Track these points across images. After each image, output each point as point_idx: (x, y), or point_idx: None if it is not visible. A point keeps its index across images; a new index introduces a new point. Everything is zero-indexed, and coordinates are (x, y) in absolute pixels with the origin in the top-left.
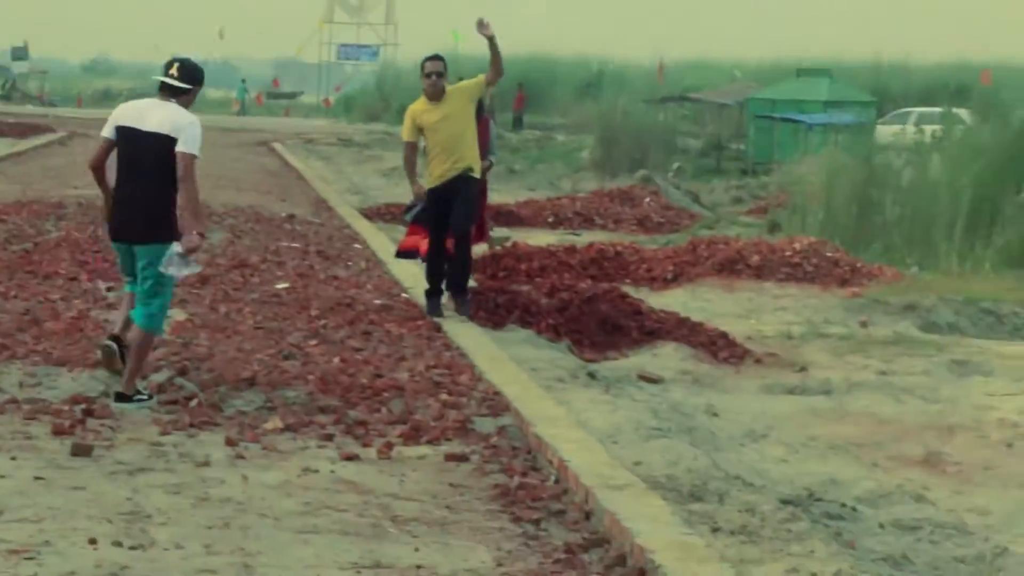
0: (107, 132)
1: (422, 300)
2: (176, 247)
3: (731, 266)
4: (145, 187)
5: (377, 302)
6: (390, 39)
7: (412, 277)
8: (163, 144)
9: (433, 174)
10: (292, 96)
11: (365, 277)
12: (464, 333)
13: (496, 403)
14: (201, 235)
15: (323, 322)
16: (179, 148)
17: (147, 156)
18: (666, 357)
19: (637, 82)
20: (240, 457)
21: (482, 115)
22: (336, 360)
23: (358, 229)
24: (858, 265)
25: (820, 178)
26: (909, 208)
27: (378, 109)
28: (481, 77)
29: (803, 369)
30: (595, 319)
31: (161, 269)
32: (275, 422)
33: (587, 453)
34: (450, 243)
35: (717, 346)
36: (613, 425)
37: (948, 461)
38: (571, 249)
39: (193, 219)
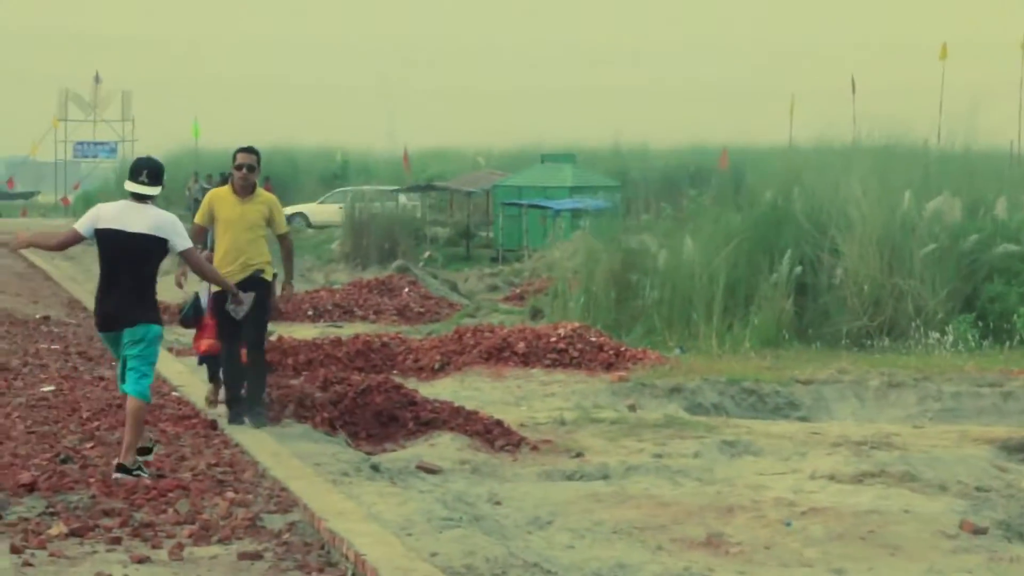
0: (85, 230)
1: (192, 397)
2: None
3: (498, 354)
4: (133, 281)
5: None
6: (127, 135)
7: (179, 375)
8: (152, 244)
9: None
10: (28, 196)
11: None
12: (241, 429)
13: (283, 499)
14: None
15: (96, 424)
16: (179, 249)
17: (135, 255)
18: (443, 447)
19: (382, 171)
20: (28, 564)
21: None
22: (116, 461)
23: None
24: (622, 349)
25: (576, 263)
26: (667, 291)
27: None
28: (284, 227)
29: (579, 455)
30: (370, 411)
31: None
32: (59, 527)
33: (383, 546)
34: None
35: (493, 434)
36: (404, 517)
37: (730, 542)
38: (336, 341)
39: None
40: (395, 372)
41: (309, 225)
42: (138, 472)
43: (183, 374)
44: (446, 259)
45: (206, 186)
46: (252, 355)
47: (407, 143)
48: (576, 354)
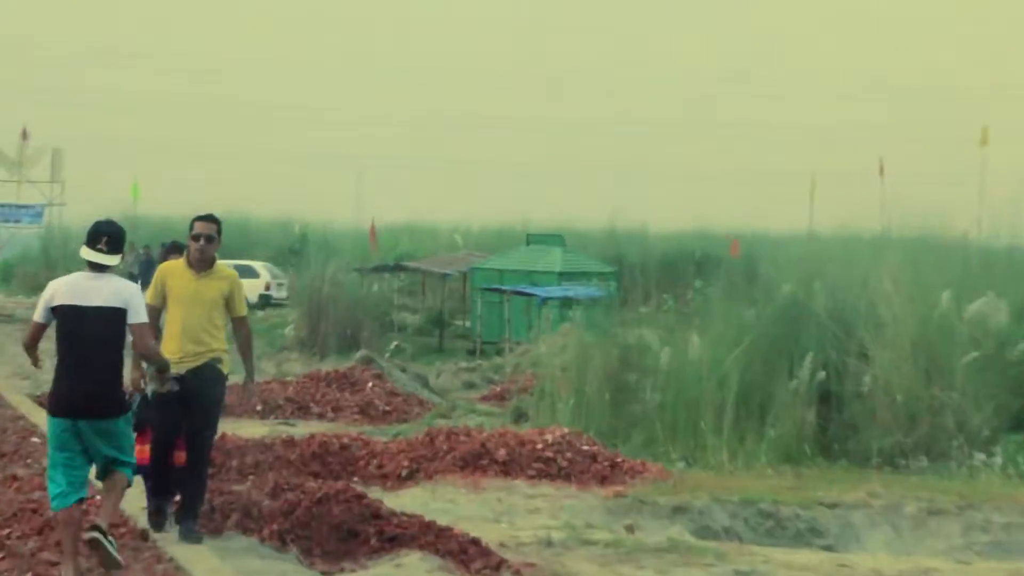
0: (40, 316)
1: (122, 503)
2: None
3: (475, 461)
4: (99, 362)
5: None
6: (56, 198)
7: None
8: (114, 317)
9: (170, 359)
10: None
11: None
12: (176, 542)
13: None
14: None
15: (7, 531)
16: (132, 320)
17: (96, 331)
18: (412, 568)
19: (345, 247)
20: None
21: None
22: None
23: (35, 421)
24: (618, 460)
25: (566, 359)
26: (671, 394)
27: (43, 278)
28: (243, 309)
29: None
30: (327, 524)
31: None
32: None
33: None
34: (180, 455)
35: (468, 555)
36: None
37: None
38: (289, 442)
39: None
40: (356, 479)
41: None
42: (111, 540)
43: None
44: (416, 350)
45: (144, 257)
46: (196, 457)
47: (375, 215)
48: (565, 464)
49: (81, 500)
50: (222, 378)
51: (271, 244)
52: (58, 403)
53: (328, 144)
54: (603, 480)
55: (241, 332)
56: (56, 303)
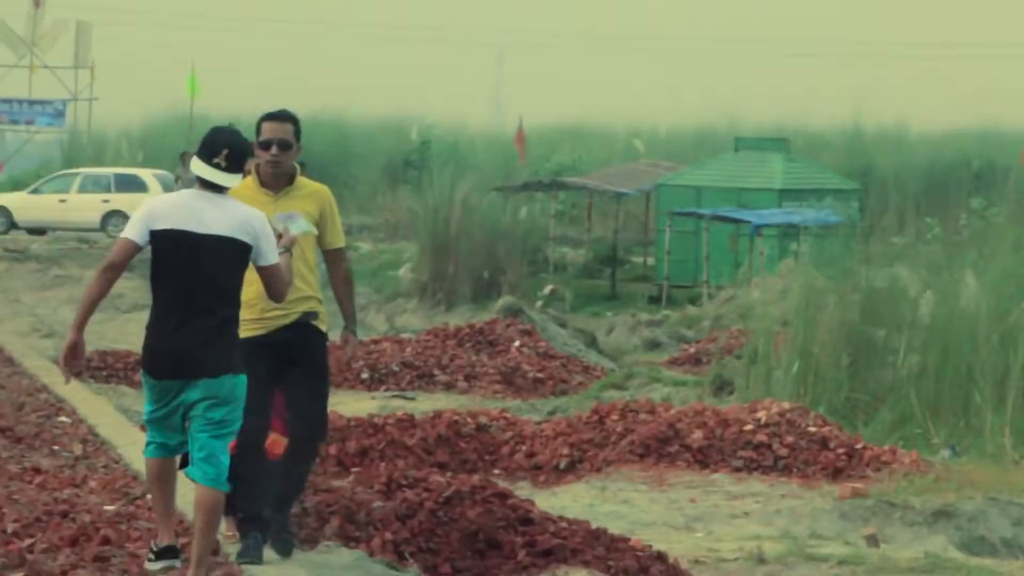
0: (137, 236)
1: (181, 504)
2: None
3: (660, 447)
4: (210, 307)
5: (109, 508)
6: (83, 91)
7: None
8: (234, 252)
9: (247, 315)
10: None
11: (84, 469)
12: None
13: None
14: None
15: (28, 542)
16: (262, 263)
17: (210, 268)
18: None
19: (482, 157)
20: None
21: None
22: None
23: (61, 393)
24: (858, 446)
25: (788, 309)
26: (934, 357)
27: None
28: (340, 239)
29: None
30: (459, 532)
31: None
32: None
33: None
34: (277, 443)
35: (651, 575)
36: None
37: None
38: (406, 421)
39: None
40: (498, 472)
41: (13, 226)
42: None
43: None
44: (580, 298)
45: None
46: (301, 446)
47: (523, 114)
48: (784, 452)
49: (175, 459)
50: (322, 339)
51: (379, 154)
52: (154, 360)
53: (454, 12)
54: (837, 474)
55: (338, 270)
56: (159, 226)
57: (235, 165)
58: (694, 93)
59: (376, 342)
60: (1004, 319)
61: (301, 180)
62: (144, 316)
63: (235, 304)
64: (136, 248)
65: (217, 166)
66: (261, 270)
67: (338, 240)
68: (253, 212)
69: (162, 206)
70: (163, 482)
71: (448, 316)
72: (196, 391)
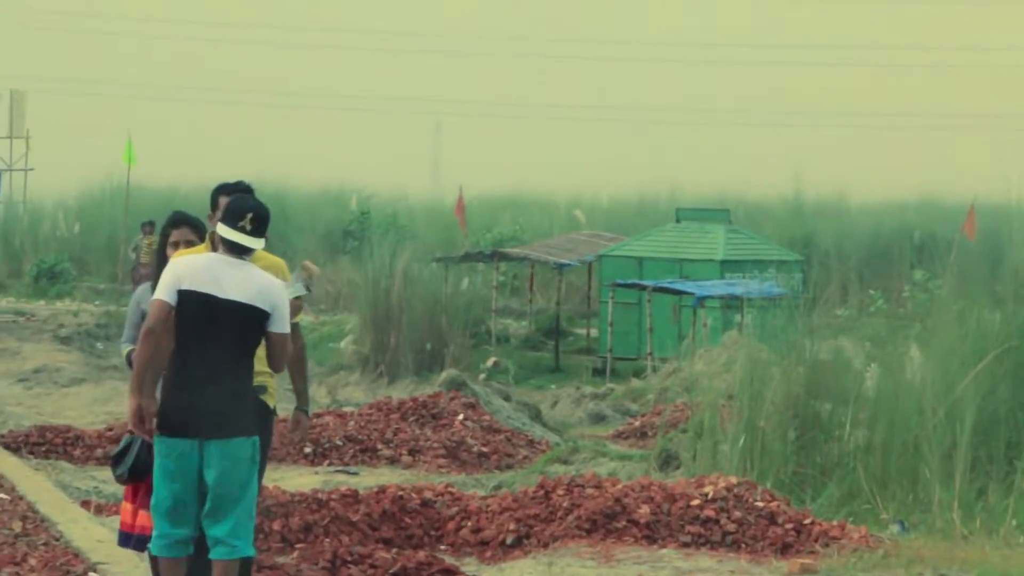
0: (167, 295)
1: None
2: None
3: (607, 523)
4: (226, 369)
5: None
6: (17, 161)
7: (100, 545)
8: (253, 319)
9: None
10: None
11: (24, 547)
12: None
13: None
14: None
15: None
16: (274, 329)
17: (229, 332)
18: None
19: (422, 227)
20: None
21: None
22: None
23: (0, 469)
24: (806, 521)
25: (733, 382)
26: (881, 431)
27: (1, 274)
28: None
29: None
30: None
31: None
32: None
33: None
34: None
35: None
36: None
37: None
38: (350, 497)
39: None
40: (444, 548)
41: None
42: None
43: (106, 545)
44: (523, 370)
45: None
46: None
47: (463, 184)
48: (733, 528)
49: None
50: (267, 414)
51: (318, 224)
52: (168, 416)
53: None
54: (785, 549)
55: (293, 346)
56: (186, 286)
57: (259, 228)
58: (635, 164)
59: (319, 416)
60: (950, 392)
61: (258, 252)
62: (82, 390)
63: (249, 367)
64: (170, 308)
65: (242, 229)
66: (269, 336)
67: (293, 316)
68: (273, 280)
69: (185, 267)
70: None
71: (391, 389)
72: (209, 455)
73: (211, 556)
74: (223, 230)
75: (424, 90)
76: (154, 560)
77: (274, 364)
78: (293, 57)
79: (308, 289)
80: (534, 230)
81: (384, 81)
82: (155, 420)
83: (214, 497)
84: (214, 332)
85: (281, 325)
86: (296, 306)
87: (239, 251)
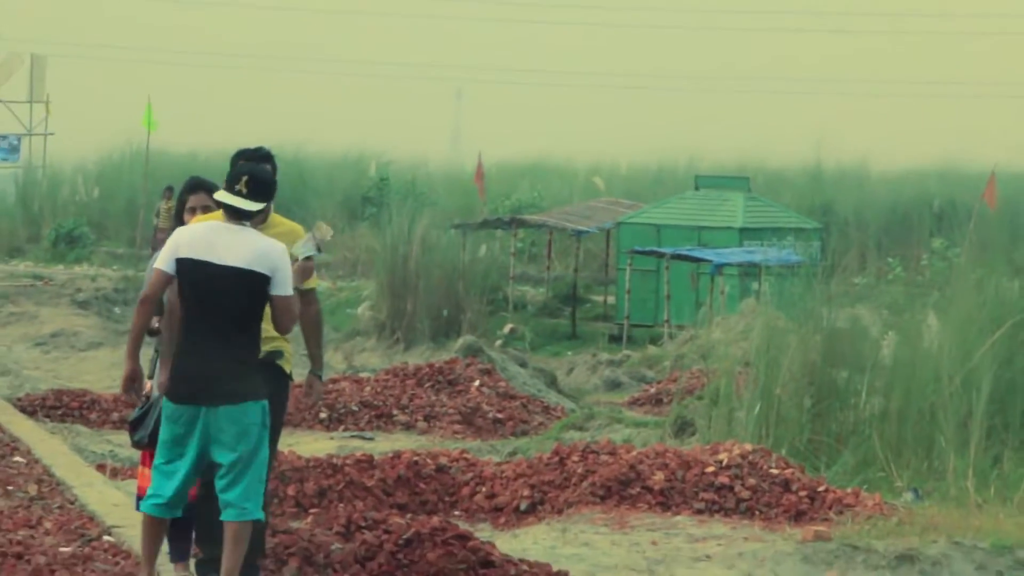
0: (166, 265)
1: (135, 545)
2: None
3: (621, 489)
4: (229, 336)
5: (65, 550)
6: (38, 126)
7: (114, 511)
8: (252, 284)
9: None
10: None
11: (39, 510)
12: None
13: None
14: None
15: None
16: (276, 292)
17: (229, 298)
18: None
19: (441, 194)
20: None
21: None
22: None
23: (16, 433)
24: (820, 489)
25: (750, 350)
26: (896, 399)
27: (20, 239)
28: (312, 279)
29: None
30: (419, 574)
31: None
32: None
33: None
34: None
35: None
36: None
37: None
38: (364, 462)
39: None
40: (458, 513)
41: None
42: None
43: (121, 509)
44: (540, 336)
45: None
46: None
47: (482, 150)
48: (747, 495)
49: (171, 520)
50: (284, 380)
51: (337, 190)
52: (175, 384)
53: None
54: (799, 516)
55: (308, 311)
56: (181, 254)
57: (256, 192)
58: (655, 131)
59: (334, 381)
60: (967, 361)
61: (275, 218)
62: (99, 354)
63: (254, 332)
64: (168, 277)
65: (239, 193)
66: (272, 299)
67: (310, 282)
68: (272, 243)
69: (186, 236)
70: (154, 537)
71: (407, 355)
72: (217, 420)
73: (222, 518)
74: (220, 195)
75: (445, 56)
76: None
77: (279, 327)
78: (316, 23)
79: (319, 250)
80: (553, 197)
81: (405, 47)
82: (157, 386)
83: (225, 462)
84: (215, 299)
85: (283, 288)
86: (307, 267)
87: (237, 215)
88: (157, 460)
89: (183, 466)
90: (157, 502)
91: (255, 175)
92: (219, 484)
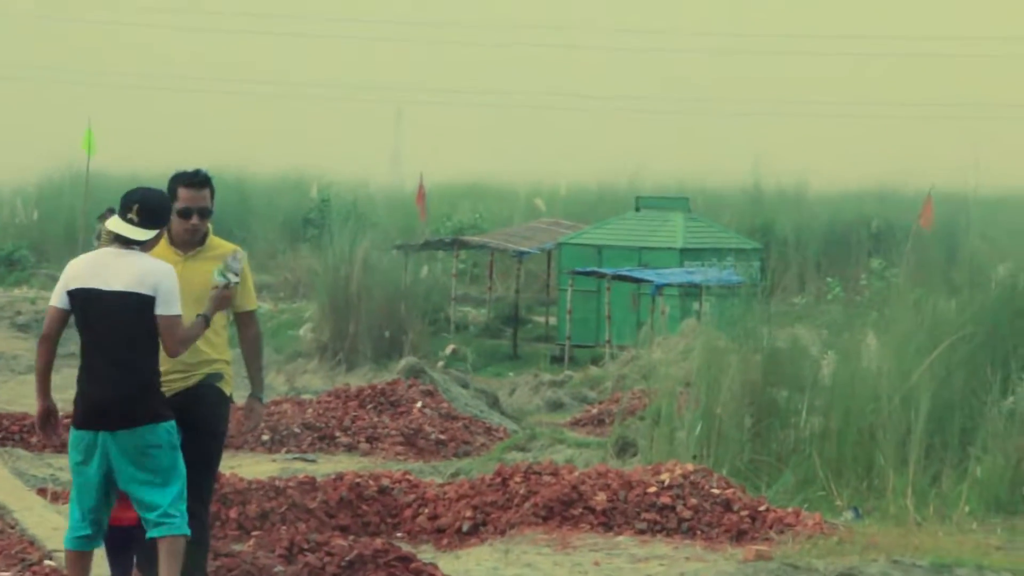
0: (58, 300)
1: None
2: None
3: (564, 510)
4: (124, 360)
5: (5, 574)
6: None
7: (56, 532)
8: (137, 306)
9: None
10: None
11: None
12: None
13: None
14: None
15: None
16: (161, 312)
17: (119, 323)
18: None
19: (383, 215)
20: None
21: None
22: None
23: None
24: (761, 508)
25: (690, 370)
26: (836, 418)
27: None
28: (252, 301)
29: None
30: None
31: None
32: None
33: None
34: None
35: None
36: None
37: None
38: (307, 484)
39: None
40: (401, 535)
41: None
42: None
43: (62, 532)
44: (482, 357)
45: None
46: (193, 512)
47: (423, 171)
48: (688, 514)
49: (92, 549)
50: (224, 401)
51: (278, 212)
52: (76, 411)
53: (355, 70)
54: (740, 536)
55: (248, 333)
56: (72, 286)
57: (147, 219)
58: (595, 152)
59: (277, 403)
60: (905, 380)
61: (213, 240)
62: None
63: (150, 354)
64: (61, 312)
65: (130, 221)
66: (156, 319)
67: (249, 303)
68: (157, 264)
69: (75, 267)
70: (79, 571)
71: (349, 376)
72: (118, 445)
73: (148, 536)
74: (112, 223)
75: (385, 77)
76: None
77: (166, 347)
78: (254, 44)
79: (225, 278)
80: (494, 218)
81: (345, 68)
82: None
83: (134, 485)
84: (106, 324)
85: (166, 307)
86: (224, 296)
87: (126, 243)
88: (71, 492)
89: (89, 495)
90: (75, 535)
91: (146, 203)
92: (138, 509)
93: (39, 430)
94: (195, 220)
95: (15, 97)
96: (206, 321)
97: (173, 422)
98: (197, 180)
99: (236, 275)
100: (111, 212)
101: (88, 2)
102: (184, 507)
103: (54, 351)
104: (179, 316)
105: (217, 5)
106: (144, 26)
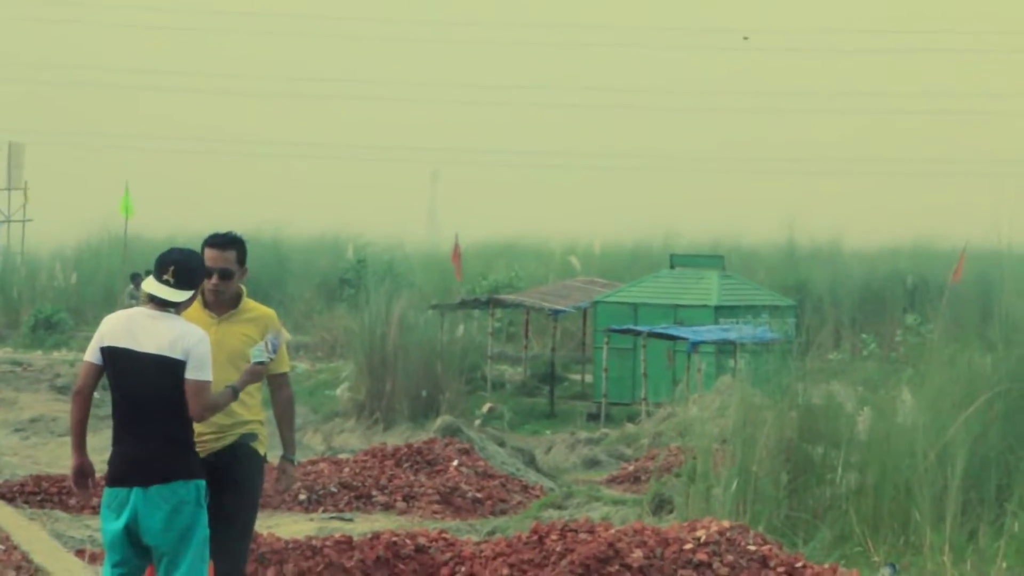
0: (92, 356)
1: None
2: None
3: (600, 567)
4: (157, 418)
5: None
6: (16, 213)
7: None
8: (170, 370)
9: None
10: None
11: None
12: None
13: None
14: None
15: None
16: (190, 376)
17: (149, 384)
18: None
19: (419, 275)
20: None
21: None
22: None
23: None
24: (798, 564)
25: (726, 427)
26: (873, 474)
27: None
28: (285, 364)
29: None
30: None
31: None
32: None
33: None
34: None
35: None
36: None
37: None
38: (344, 543)
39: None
40: None
41: None
42: None
43: None
44: (518, 415)
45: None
46: (229, 573)
47: (458, 232)
48: (725, 571)
49: None
50: (258, 462)
51: (315, 272)
52: (112, 468)
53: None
54: None
55: (281, 395)
56: (106, 343)
57: (182, 280)
58: (629, 210)
59: (314, 463)
60: (941, 435)
61: (247, 303)
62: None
63: (182, 413)
64: (94, 367)
65: (166, 282)
66: (186, 381)
67: (282, 365)
68: (191, 329)
69: (109, 323)
70: None
71: (386, 435)
72: (149, 500)
73: None
74: (148, 284)
75: (421, 139)
76: None
77: (192, 411)
78: (292, 107)
79: (262, 355)
80: (529, 277)
81: (380, 130)
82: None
83: (162, 543)
84: (137, 384)
85: (196, 372)
86: (257, 371)
87: (162, 304)
88: (106, 556)
89: (119, 551)
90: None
91: (181, 264)
92: (160, 570)
93: (73, 486)
94: (215, 280)
95: (53, 161)
96: (235, 393)
97: (204, 482)
98: (220, 240)
99: (274, 353)
100: (138, 278)
101: (120, 66)
102: (205, 569)
103: (88, 405)
104: (208, 382)
105: (255, 69)
106: (180, 91)
